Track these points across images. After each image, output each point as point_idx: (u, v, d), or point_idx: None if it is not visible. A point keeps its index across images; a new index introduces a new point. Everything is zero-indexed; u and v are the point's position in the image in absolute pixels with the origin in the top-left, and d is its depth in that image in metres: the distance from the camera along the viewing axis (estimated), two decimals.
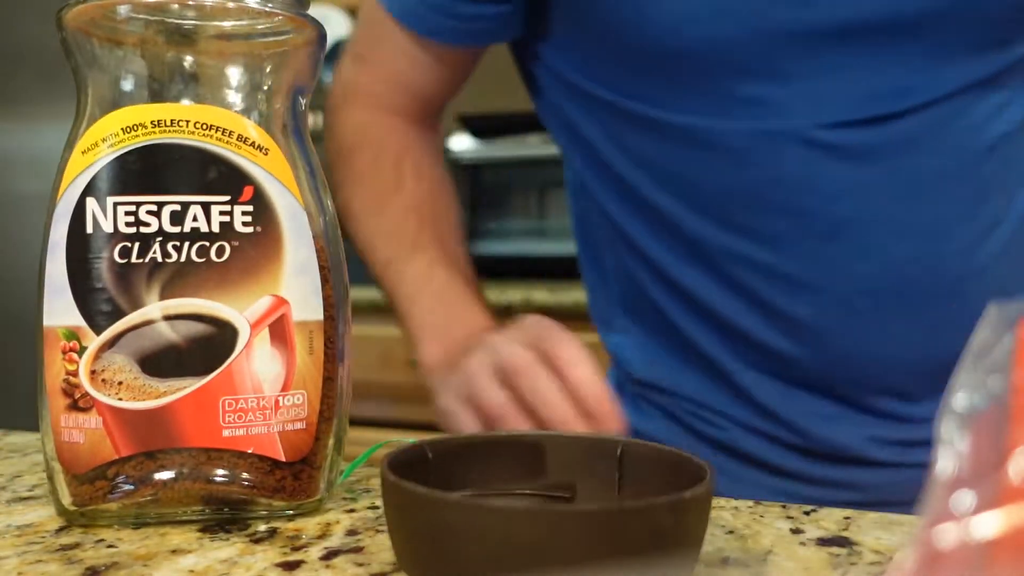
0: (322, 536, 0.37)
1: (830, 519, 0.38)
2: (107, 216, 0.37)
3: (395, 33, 0.71)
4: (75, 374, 0.37)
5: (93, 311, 0.37)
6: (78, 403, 0.37)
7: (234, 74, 0.39)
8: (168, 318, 0.37)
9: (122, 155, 0.37)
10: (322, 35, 0.41)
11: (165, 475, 0.37)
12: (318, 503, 0.40)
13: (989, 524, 0.17)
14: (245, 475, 0.38)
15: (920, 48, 0.58)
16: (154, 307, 0.37)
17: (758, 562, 0.33)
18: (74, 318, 0.37)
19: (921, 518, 0.18)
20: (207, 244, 0.37)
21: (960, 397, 0.20)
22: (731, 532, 0.36)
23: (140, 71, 0.39)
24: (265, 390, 0.38)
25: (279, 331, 0.38)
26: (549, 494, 0.37)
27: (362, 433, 1.72)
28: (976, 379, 0.21)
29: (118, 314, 0.37)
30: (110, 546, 0.35)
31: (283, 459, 0.38)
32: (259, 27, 0.40)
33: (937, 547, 0.17)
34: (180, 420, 0.37)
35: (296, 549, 0.35)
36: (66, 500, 0.37)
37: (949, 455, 0.19)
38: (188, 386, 0.37)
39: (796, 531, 0.36)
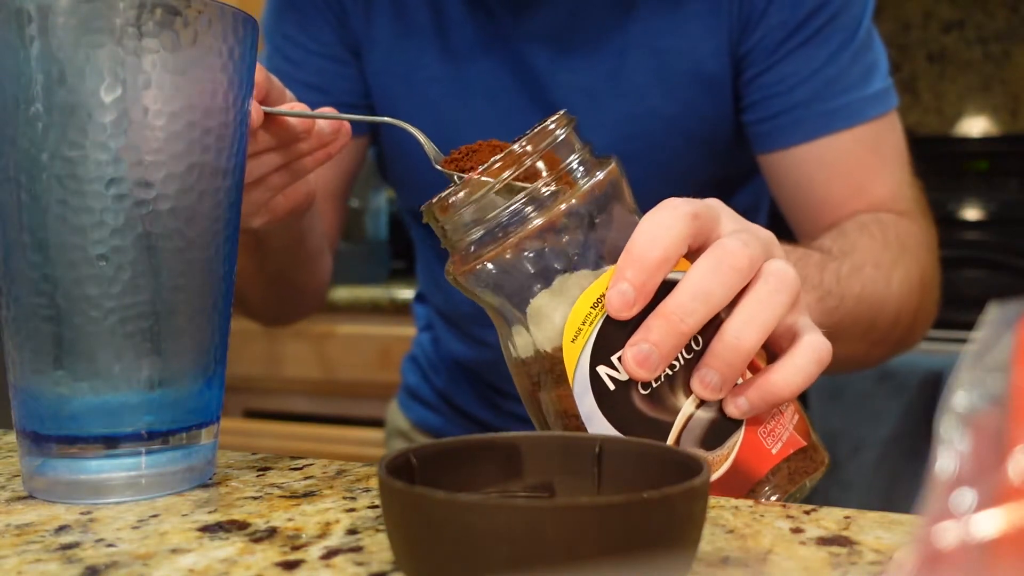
0: (322, 535, 0.37)
1: (830, 518, 0.38)
2: None
3: None
4: None
5: None
6: None
7: None
8: None
9: None
10: None
11: None
12: None
13: (989, 523, 0.17)
14: None
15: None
16: None
17: (758, 562, 0.33)
18: None
19: (921, 517, 0.18)
20: None
21: (960, 396, 0.20)
22: (731, 531, 0.36)
23: None
24: None
25: None
26: (528, 495, 0.37)
27: (362, 433, 1.72)
28: (976, 378, 0.20)
29: None
30: (110, 545, 0.35)
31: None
32: None
33: (937, 546, 0.17)
34: None
35: (296, 548, 0.35)
36: None
37: (949, 455, 0.19)
38: None
39: (796, 530, 0.36)
